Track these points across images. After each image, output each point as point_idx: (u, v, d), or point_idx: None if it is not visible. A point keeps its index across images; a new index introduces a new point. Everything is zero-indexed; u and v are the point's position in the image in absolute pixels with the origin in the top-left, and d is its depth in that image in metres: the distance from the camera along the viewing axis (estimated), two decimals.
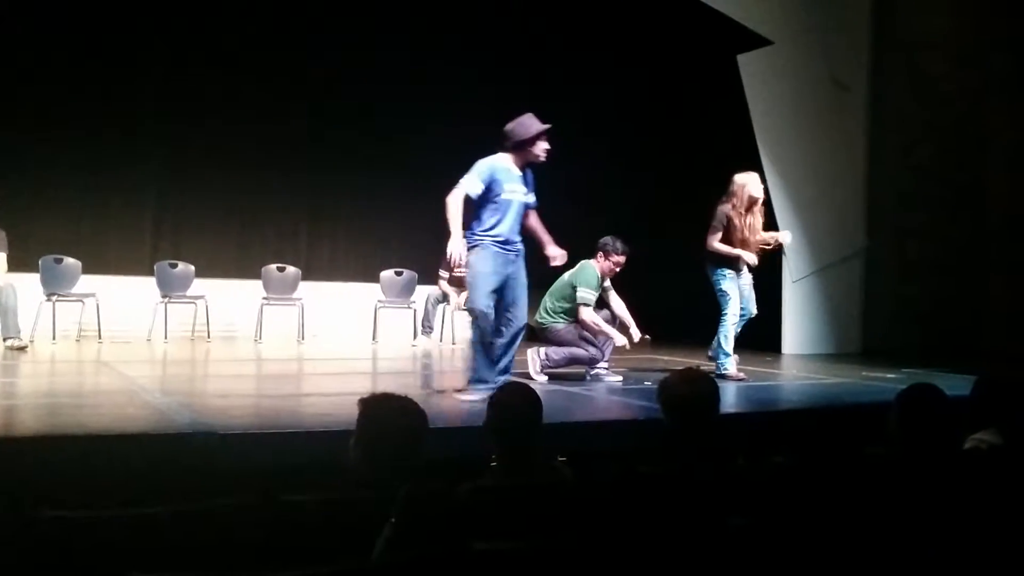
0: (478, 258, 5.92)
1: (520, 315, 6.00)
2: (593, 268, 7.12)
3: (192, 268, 10.20)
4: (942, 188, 9.54)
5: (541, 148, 6.10)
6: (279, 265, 10.63)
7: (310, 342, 10.19)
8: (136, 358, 8.33)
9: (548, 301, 7.21)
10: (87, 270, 9.74)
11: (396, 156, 11.62)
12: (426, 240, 11.36)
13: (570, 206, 11.70)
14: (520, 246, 6.09)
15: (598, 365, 7.12)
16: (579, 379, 7.07)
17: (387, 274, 10.93)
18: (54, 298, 9.32)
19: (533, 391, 3.59)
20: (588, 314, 7.02)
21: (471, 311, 5.97)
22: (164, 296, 9.84)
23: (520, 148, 6.07)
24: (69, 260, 9.69)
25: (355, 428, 3.10)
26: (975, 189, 9.31)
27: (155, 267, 10.12)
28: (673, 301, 10.96)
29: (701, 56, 10.50)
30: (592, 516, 3.01)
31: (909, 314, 9.83)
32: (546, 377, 6.99)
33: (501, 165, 6.03)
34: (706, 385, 3.60)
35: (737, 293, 7.37)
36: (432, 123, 11.64)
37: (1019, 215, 8.94)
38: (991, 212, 9.20)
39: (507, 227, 5.97)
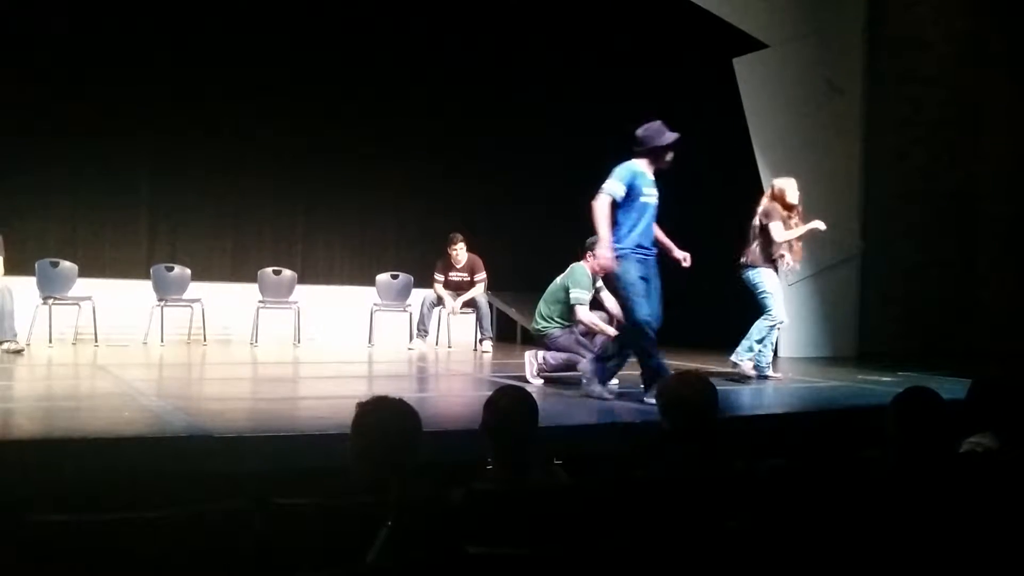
0: (624, 269, 6.00)
1: (656, 315, 6.13)
2: (584, 269, 7.13)
3: (188, 271, 10.19)
4: (937, 191, 9.56)
5: (670, 157, 6.22)
6: (275, 268, 10.62)
7: (306, 345, 10.18)
8: (132, 361, 8.32)
9: (543, 307, 7.21)
10: (83, 273, 9.73)
11: (392, 159, 11.63)
12: (422, 244, 11.40)
13: (565, 208, 11.73)
14: (655, 249, 6.22)
15: None
16: (575, 382, 7.06)
17: (383, 277, 10.93)
18: (50, 301, 9.31)
19: (529, 394, 3.59)
20: (584, 313, 7.03)
21: (634, 324, 6.04)
22: (160, 299, 9.83)
23: (653, 154, 6.18)
24: (65, 263, 9.68)
25: (350, 431, 3.10)
26: (970, 191, 9.33)
27: (151, 270, 10.11)
28: (670, 304, 10.97)
29: (696, 59, 10.51)
30: (588, 520, 3.01)
31: (905, 317, 9.84)
32: (542, 380, 7.00)
33: (639, 170, 6.13)
34: (705, 388, 3.60)
35: (779, 293, 7.59)
36: (429, 126, 11.65)
37: (1014, 217, 8.95)
38: (986, 214, 9.22)
39: (644, 231, 6.10)
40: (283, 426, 4.90)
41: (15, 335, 8.45)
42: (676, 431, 3.56)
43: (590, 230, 6.76)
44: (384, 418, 3.08)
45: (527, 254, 11.50)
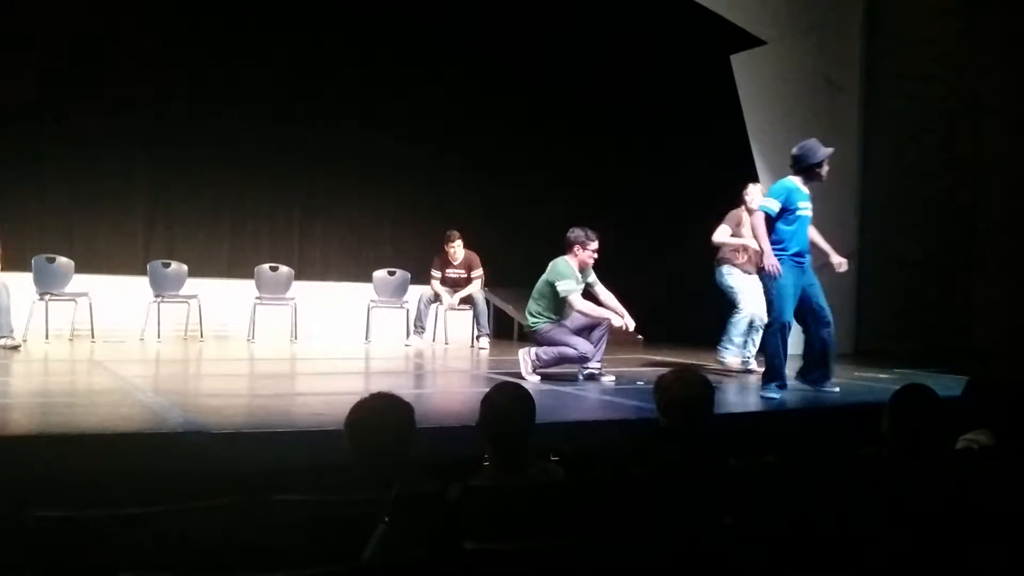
0: (781, 274, 6.57)
1: (826, 308, 6.75)
2: (566, 261, 7.12)
3: (185, 268, 10.18)
4: (935, 188, 9.56)
5: (824, 170, 6.70)
6: (272, 265, 10.61)
7: (303, 342, 10.17)
8: (129, 358, 8.31)
9: (531, 304, 7.22)
10: (80, 270, 9.72)
11: (390, 156, 11.63)
12: (419, 241, 11.40)
13: (561, 205, 11.74)
14: (808, 257, 6.76)
15: (591, 365, 7.12)
16: (572, 379, 7.07)
17: (380, 274, 10.92)
18: (47, 297, 9.30)
19: (526, 391, 3.60)
20: (578, 302, 7.02)
21: (777, 323, 6.63)
22: (157, 296, 9.82)
23: (808, 171, 6.67)
24: (62, 259, 9.66)
25: (344, 428, 3.10)
26: (968, 189, 9.33)
27: (148, 266, 10.10)
28: (666, 301, 10.97)
29: (694, 56, 10.51)
30: (584, 516, 3.01)
31: (902, 314, 9.84)
32: (538, 377, 7.00)
33: (794, 186, 6.66)
34: (702, 386, 3.60)
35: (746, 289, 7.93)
36: (428, 123, 11.65)
37: (1010, 215, 8.96)
38: (983, 212, 9.22)
39: (800, 240, 6.63)
40: (280, 422, 4.90)
41: (12, 331, 8.44)
42: (673, 428, 3.56)
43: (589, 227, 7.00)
44: (377, 413, 3.09)
45: (524, 251, 11.49)
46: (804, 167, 6.64)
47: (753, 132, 9.72)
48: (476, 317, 10.39)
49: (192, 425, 4.61)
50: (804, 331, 6.82)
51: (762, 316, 7.54)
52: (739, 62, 9.71)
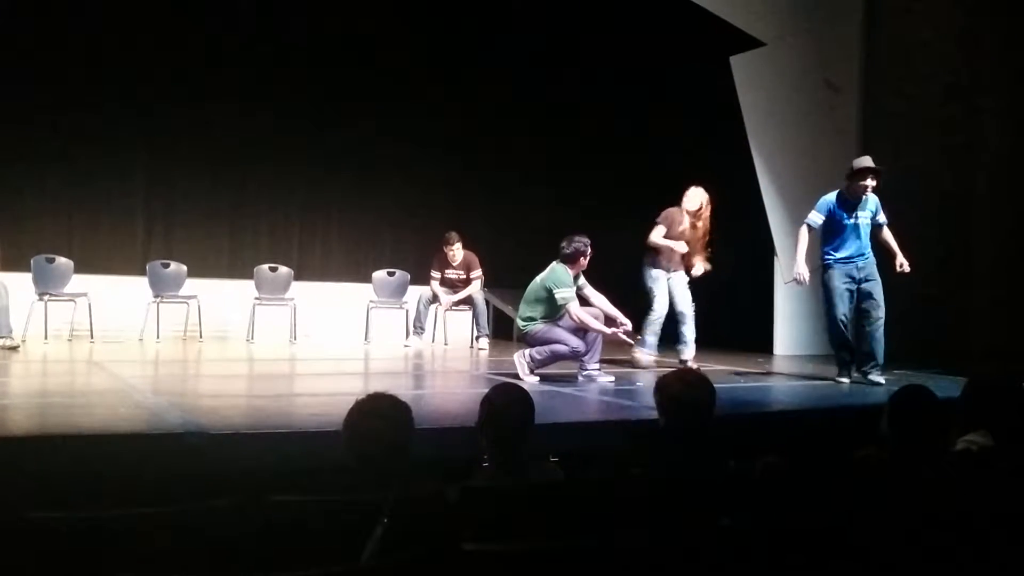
0: (828, 277, 7.39)
1: (877, 305, 7.39)
2: (563, 268, 7.11)
3: (184, 268, 10.18)
4: (934, 189, 9.55)
5: (862, 183, 7.33)
6: (271, 265, 10.61)
7: (302, 342, 10.17)
8: (128, 358, 8.31)
9: (523, 308, 7.22)
10: (79, 270, 9.72)
11: (389, 157, 11.62)
12: (418, 241, 11.40)
13: (560, 206, 11.74)
14: (865, 258, 7.40)
15: (591, 366, 7.11)
16: (571, 380, 7.06)
17: (379, 274, 10.92)
18: (46, 298, 9.30)
19: (525, 391, 3.60)
20: (576, 311, 7.00)
21: (829, 321, 7.44)
22: (156, 296, 9.82)
23: (850, 182, 7.40)
24: (61, 260, 9.66)
25: (342, 429, 3.10)
26: (966, 190, 9.33)
27: (147, 267, 10.10)
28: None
29: (693, 57, 10.51)
30: (584, 517, 3.01)
31: (900, 316, 9.83)
32: (537, 378, 6.99)
33: (834, 199, 7.43)
34: (704, 388, 3.59)
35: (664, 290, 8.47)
36: (427, 123, 11.64)
37: (1010, 216, 8.95)
38: (982, 213, 9.22)
39: (847, 245, 7.35)
40: (279, 423, 4.90)
41: (10, 331, 8.44)
42: (674, 429, 3.56)
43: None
44: (375, 415, 3.09)
45: (524, 252, 11.49)
46: (846, 178, 7.45)
47: (752, 133, 9.72)
48: (475, 318, 10.39)
49: (191, 426, 4.61)
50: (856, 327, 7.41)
51: (684, 311, 8.42)
52: (738, 63, 9.70)
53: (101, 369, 7.33)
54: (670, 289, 8.47)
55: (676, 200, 8.72)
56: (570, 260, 7.13)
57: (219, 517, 2.64)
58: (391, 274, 10.98)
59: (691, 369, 3.86)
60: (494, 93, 11.85)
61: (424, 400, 6.27)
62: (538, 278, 7.21)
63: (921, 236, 9.66)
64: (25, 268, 9.33)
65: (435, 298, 10.33)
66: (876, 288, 7.36)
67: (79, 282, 9.60)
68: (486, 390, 3.58)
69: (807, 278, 7.45)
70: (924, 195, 9.64)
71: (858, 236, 7.35)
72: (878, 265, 7.46)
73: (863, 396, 6.73)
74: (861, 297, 7.34)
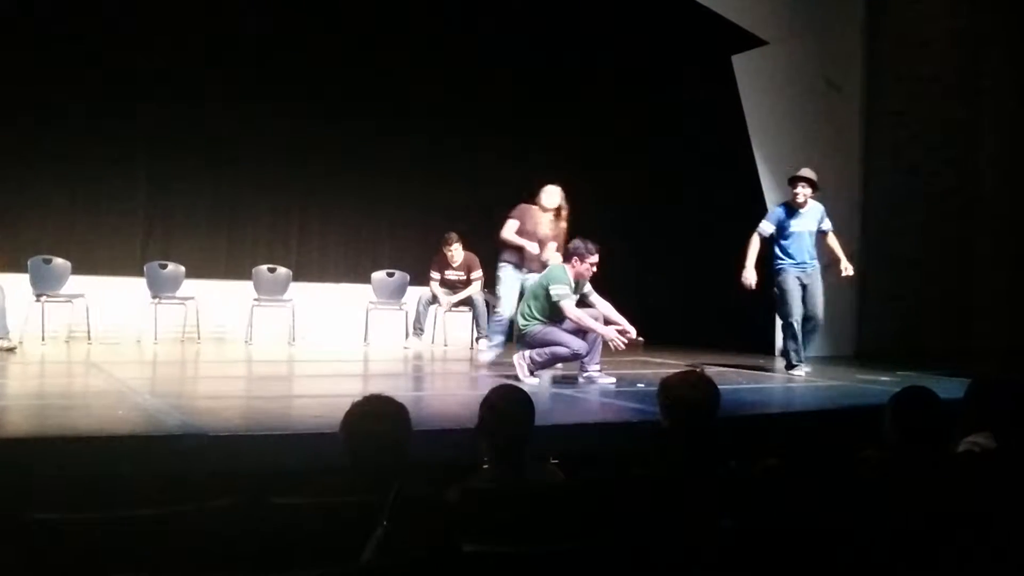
0: (781, 279, 7.94)
1: (815, 311, 7.96)
2: (561, 267, 7.11)
3: (182, 269, 10.16)
4: (936, 189, 9.55)
5: (793, 191, 8.00)
6: (270, 266, 10.60)
7: (301, 343, 10.16)
8: (126, 359, 8.30)
9: (523, 306, 7.22)
10: (76, 271, 9.70)
11: (388, 157, 11.61)
12: (417, 242, 11.38)
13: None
14: (812, 264, 8.00)
15: (591, 367, 7.09)
16: (572, 381, 7.05)
17: (378, 275, 10.91)
18: (43, 299, 9.28)
19: (525, 393, 3.59)
20: (571, 309, 6.95)
21: (783, 319, 8.07)
22: (154, 297, 9.81)
23: (791, 193, 8.07)
24: (58, 260, 9.64)
25: (339, 431, 3.09)
26: (969, 189, 9.33)
27: (145, 268, 10.08)
28: (665, 302, 10.97)
29: (695, 56, 10.51)
30: (584, 518, 3.00)
31: (904, 316, 9.84)
32: (537, 379, 6.98)
33: (784, 209, 8.07)
34: (708, 388, 3.57)
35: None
36: (426, 123, 11.63)
37: (1011, 215, 8.95)
38: (984, 212, 9.21)
39: (797, 251, 7.94)
40: (278, 424, 4.88)
41: (8, 333, 8.43)
42: (675, 430, 3.54)
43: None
44: (372, 417, 3.07)
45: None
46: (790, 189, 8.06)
47: (754, 132, 9.71)
48: (475, 319, 10.37)
49: (189, 427, 4.59)
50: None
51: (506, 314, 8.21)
52: (740, 62, 9.69)
53: (99, 370, 7.31)
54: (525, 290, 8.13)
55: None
56: (567, 259, 7.12)
57: (218, 518, 2.63)
58: (390, 275, 10.96)
59: (695, 371, 3.83)
60: (494, 93, 11.84)
61: (424, 401, 6.26)
62: (538, 277, 7.21)
63: (923, 236, 9.68)
64: (22, 269, 9.31)
65: (435, 299, 10.31)
66: (818, 294, 7.98)
67: (77, 283, 9.58)
68: (486, 392, 3.57)
69: (754, 282, 7.94)
70: (926, 194, 9.65)
71: (804, 243, 7.98)
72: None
73: (865, 397, 6.72)
74: (805, 300, 7.95)
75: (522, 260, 8.26)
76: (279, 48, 11.04)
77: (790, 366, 7.98)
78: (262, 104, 10.94)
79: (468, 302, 10.32)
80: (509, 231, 8.19)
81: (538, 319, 7.07)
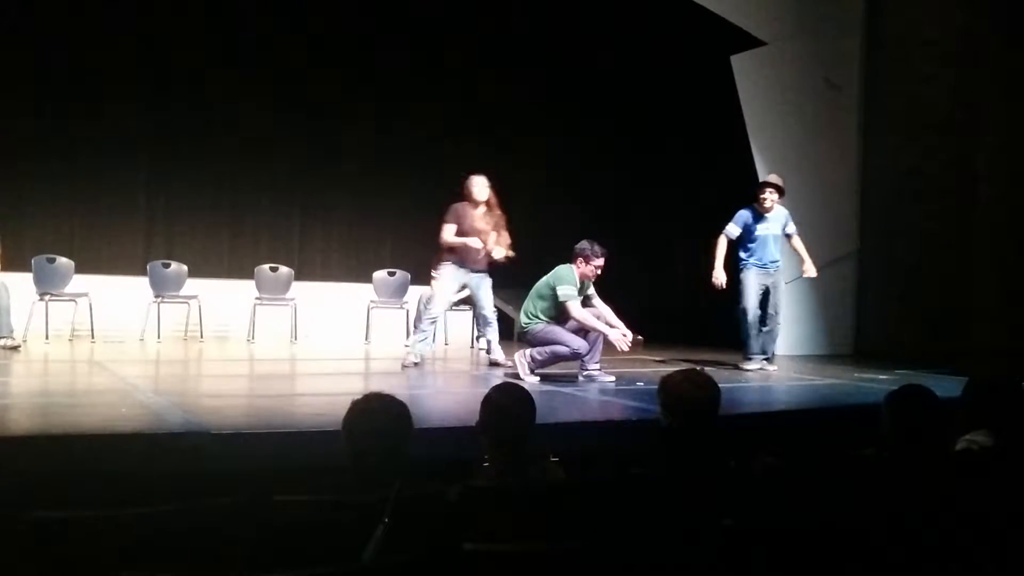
0: (744, 277, 8.29)
1: (775, 312, 8.38)
2: (568, 268, 7.12)
3: (185, 268, 10.18)
4: (935, 188, 9.55)
5: (760, 195, 8.33)
6: (272, 265, 10.61)
7: (303, 342, 10.17)
8: (129, 358, 8.31)
9: (528, 305, 7.22)
10: (80, 270, 9.72)
11: (390, 156, 11.61)
12: (419, 241, 11.36)
13: (561, 207, 11.74)
14: (775, 265, 8.41)
15: (591, 366, 7.11)
16: (572, 380, 7.06)
17: (380, 274, 10.91)
18: (47, 298, 9.30)
19: (526, 391, 3.59)
20: (576, 310, 6.99)
21: (738, 311, 8.26)
22: (157, 296, 9.82)
23: (755, 197, 8.37)
24: (62, 260, 9.67)
25: (341, 430, 3.10)
26: (967, 189, 9.32)
27: (148, 267, 10.10)
28: (665, 302, 10.98)
29: (694, 56, 10.51)
30: (584, 517, 3.01)
31: (902, 315, 9.84)
32: (537, 378, 6.99)
33: (750, 213, 8.36)
34: (710, 388, 3.58)
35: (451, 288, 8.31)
36: (427, 123, 11.64)
37: (1010, 215, 8.94)
38: (983, 212, 9.21)
39: (760, 253, 8.31)
40: (280, 423, 4.90)
41: (12, 331, 8.44)
42: (677, 428, 3.55)
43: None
44: (373, 415, 3.08)
45: (525, 252, 11.47)
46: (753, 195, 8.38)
47: (753, 132, 9.71)
48: (476, 318, 10.37)
49: (192, 425, 4.61)
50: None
51: (487, 315, 8.28)
52: (739, 62, 9.70)
53: (102, 369, 7.33)
54: (472, 291, 8.28)
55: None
56: (573, 260, 7.14)
57: (221, 517, 2.64)
58: (392, 274, 10.97)
59: (698, 370, 3.83)
60: (495, 93, 11.84)
61: (425, 400, 6.27)
62: (544, 277, 7.22)
63: (922, 235, 9.68)
64: (26, 268, 9.33)
65: None
66: (780, 295, 8.45)
67: (80, 282, 9.60)
68: (487, 390, 3.58)
69: (724, 283, 8.25)
70: (925, 194, 9.64)
71: (768, 245, 8.35)
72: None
73: (864, 396, 6.73)
74: (766, 300, 8.35)
75: (465, 259, 8.07)
76: (282, 48, 11.05)
77: (746, 360, 8.21)
78: (264, 103, 10.97)
79: (469, 301, 10.32)
80: (449, 234, 8.01)
81: (541, 318, 7.09)
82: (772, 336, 8.42)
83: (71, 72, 10.14)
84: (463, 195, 8.17)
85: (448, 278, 8.11)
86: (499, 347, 8.29)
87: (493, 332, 8.37)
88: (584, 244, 7.16)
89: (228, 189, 11.15)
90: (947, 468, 3.43)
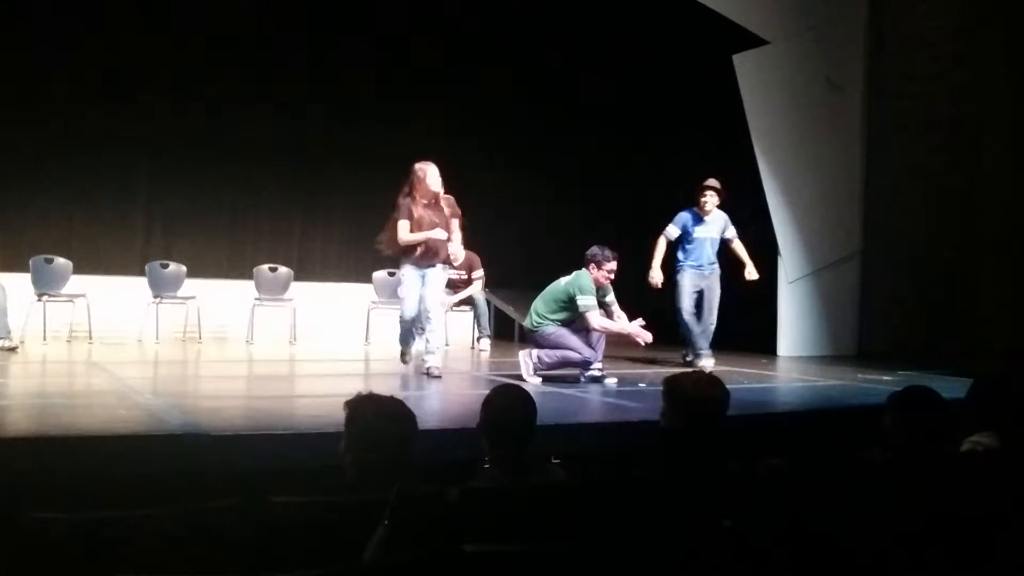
0: (680, 278, 8.59)
1: (710, 313, 8.63)
2: (588, 275, 7.07)
3: (183, 268, 10.16)
4: (938, 189, 9.54)
5: (700, 198, 8.61)
6: (271, 265, 10.59)
7: (302, 343, 10.15)
8: (127, 359, 8.30)
9: (540, 305, 7.17)
10: (78, 270, 9.70)
11: (389, 157, 11.58)
12: None
13: (564, 207, 11.73)
14: (711, 267, 8.65)
15: (592, 367, 7.09)
16: (574, 381, 7.04)
17: (380, 275, 10.89)
18: (45, 298, 9.28)
19: (527, 392, 3.58)
20: (596, 319, 6.98)
21: (675, 312, 8.55)
22: (155, 296, 9.80)
23: (695, 200, 8.66)
24: (60, 260, 9.65)
25: (343, 430, 3.08)
26: (971, 190, 9.31)
27: (146, 267, 10.09)
28: (668, 303, 10.95)
29: (697, 56, 10.49)
30: (585, 518, 2.99)
31: (906, 316, 9.83)
32: (539, 379, 6.97)
33: (690, 216, 8.67)
34: (720, 391, 3.56)
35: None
36: (427, 123, 11.62)
37: (1014, 215, 8.93)
38: (987, 213, 9.20)
39: (697, 256, 8.59)
40: (279, 424, 4.88)
41: (9, 332, 8.42)
42: (680, 430, 3.53)
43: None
44: (378, 416, 3.07)
45: (525, 252, 11.49)
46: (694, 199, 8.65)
47: (755, 132, 9.70)
48: (477, 318, 10.36)
49: (190, 427, 4.60)
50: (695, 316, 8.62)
51: (428, 311, 7.27)
52: (742, 62, 9.69)
53: (100, 370, 7.31)
54: (421, 287, 7.35)
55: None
56: (586, 266, 7.11)
57: (219, 518, 2.63)
58: (392, 274, 10.93)
59: (707, 372, 3.82)
60: (496, 94, 11.83)
61: (425, 401, 6.25)
62: (562, 280, 7.16)
63: (927, 236, 9.67)
64: (24, 268, 9.31)
65: None
66: (715, 296, 8.65)
67: (78, 283, 9.58)
68: (487, 391, 3.56)
69: (660, 283, 8.54)
70: (929, 194, 9.64)
71: (705, 248, 8.62)
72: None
73: (867, 397, 6.71)
74: (702, 301, 8.61)
75: (425, 255, 7.29)
76: (281, 48, 11.05)
77: (695, 355, 8.52)
78: (263, 104, 10.97)
79: (469, 301, 10.32)
80: (405, 233, 7.22)
81: (551, 320, 7.06)
82: (706, 335, 8.57)
83: (71, 73, 10.14)
84: (412, 185, 7.31)
85: (413, 278, 7.32)
86: (440, 356, 7.46)
87: (434, 335, 7.39)
88: (595, 249, 7.13)
89: (227, 189, 11.15)
90: (952, 470, 3.41)
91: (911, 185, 9.82)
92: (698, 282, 8.60)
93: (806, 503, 3.16)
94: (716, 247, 8.70)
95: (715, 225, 8.67)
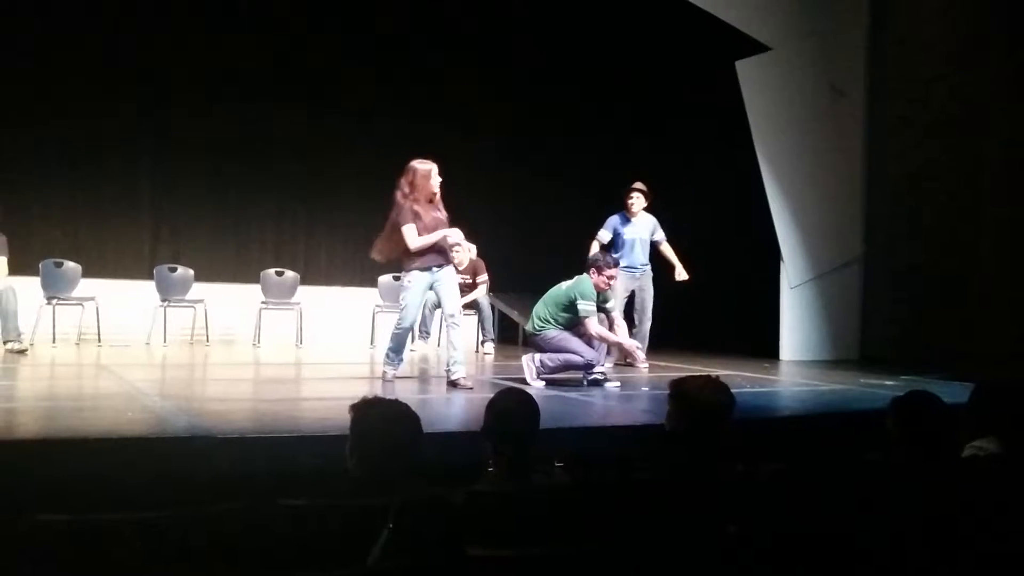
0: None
1: (643, 313, 8.82)
2: (589, 282, 7.10)
3: (191, 272, 10.20)
4: (940, 192, 9.53)
5: (627, 200, 8.89)
6: (278, 269, 10.63)
7: (308, 346, 10.18)
8: (135, 362, 8.33)
9: (542, 309, 7.20)
10: (87, 274, 9.75)
11: (396, 161, 11.58)
12: None
13: (565, 212, 11.73)
14: (643, 269, 8.87)
15: (596, 370, 7.11)
16: (576, 384, 7.06)
17: (385, 279, 10.92)
18: (54, 302, 9.33)
19: (530, 396, 3.60)
20: (595, 326, 7.01)
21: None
22: (163, 300, 9.84)
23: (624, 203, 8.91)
24: (69, 264, 9.70)
25: (349, 434, 3.10)
26: (973, 193, 9.30)
27: (154, 271, 10.13)
28: (669, 306, 10.95)
29: (699, 62, 10.50)
30: (589, 522, 3.01)
31: (908, 320, 9.82)
32: (543, 383, 6.99)
33: (619, 218, 8.92)
34: (726, 396, 3.58)
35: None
36: (431, 126, 11.63)
37: (1015, 219, 8.92)
38: (989, 217, 9.19)
39: (628, 258, 8.66)
40: (285, 427, 4.90)
41: (19, 335, 8.47)
42: (684, 433, 3.55)
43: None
44: (383, 420, 3.08)
45: (529, 256, 11.51)
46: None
47: (758, 137, 9.70)
48: (481, 322, 10.38)
49: (198, 429, 4.62)
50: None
51: (453, 317, 7.05)
52: (744, 68, 9.70)
53: (109, 373, 7.34)
54: (437, 291, 7.05)
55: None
56: (587, 271, 7.15)
57: (226, 521, 2.65)
58: (397, 278, 10.95)
59: (712, 376, 3.83)
60: (499, 96, 11.85)
61: (430, 404, 6.27)
62: (564, 285, 7.19)
63: (928, 239, 9.66)
64: (34, 272, 9.36)
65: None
66: (648, 297, 8.84)
67: (87, 286, 9.63)
68: (492, 395, 3.58)
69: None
70: (929, 199, 9.62)
71: (635, 249, 8.80)
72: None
73: (869, 401, 6.71)
74: (634, 302, 8.78)
75: (435, 259, 6.93)
76: (286, 51, 11.07)
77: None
78: (269, 107, 10.98)
79: (474, 305, 10.33)
80: (414, 238, 6.79)
81: (554, 324, 7.09)
82: (640, 337, 8.59)
83: (76, 76, 10.17)
84: (412, 185, 6.96)
85: (420, 285, 6.92)
86: (463, 366, 7.03)
87: (459, 338, 7.03)
88: (597, 255, 7.23)
89: (234, 193, 11.18)
90: (953, 474, 3.42)
91: (913, 189, 9.81)
92: (630, 284, 8.69)
93: (808, 507, 3.17)
94: (647, 249, 8.87)
95: (643, 226, 8.86)
